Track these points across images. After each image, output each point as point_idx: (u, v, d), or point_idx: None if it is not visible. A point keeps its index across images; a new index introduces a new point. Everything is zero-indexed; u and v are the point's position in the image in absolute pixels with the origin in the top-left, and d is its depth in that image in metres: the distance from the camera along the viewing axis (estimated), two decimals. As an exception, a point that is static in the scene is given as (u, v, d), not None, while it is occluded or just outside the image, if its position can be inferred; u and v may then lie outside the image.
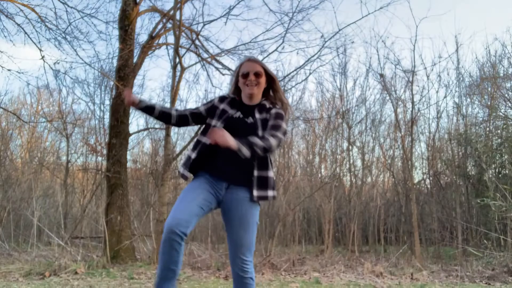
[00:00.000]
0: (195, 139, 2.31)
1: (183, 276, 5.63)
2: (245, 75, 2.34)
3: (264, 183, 2.24)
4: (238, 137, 2.11)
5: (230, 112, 2.34)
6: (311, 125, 10.65)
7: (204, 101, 2.73)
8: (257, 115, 2.32)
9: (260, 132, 2.24)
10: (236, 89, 2.45)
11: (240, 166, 2.22)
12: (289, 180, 9.44)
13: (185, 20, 7.88)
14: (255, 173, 2.22)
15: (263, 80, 2.36)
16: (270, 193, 2.26)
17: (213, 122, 2.30)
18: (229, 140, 1.92)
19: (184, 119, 2.42)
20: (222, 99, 2.42)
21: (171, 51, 7.82)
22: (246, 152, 2.00)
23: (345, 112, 9.90)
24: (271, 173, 2.27)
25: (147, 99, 2.18)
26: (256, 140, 2.06)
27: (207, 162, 2.29)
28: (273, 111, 2.33)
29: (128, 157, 8.36)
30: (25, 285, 4.94)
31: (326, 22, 27.32)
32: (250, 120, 2.32)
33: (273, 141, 2.13)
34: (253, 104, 2.38)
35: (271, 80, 2.42)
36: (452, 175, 9.31)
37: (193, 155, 2.28)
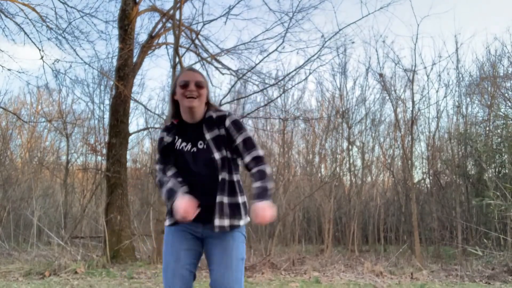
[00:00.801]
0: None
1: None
2: (184, 85, 1.99)
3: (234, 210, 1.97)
4: (197, 171, 1.94)
5: (184, 146, 2.03)
6: (311, 125, 10.65)
7: (158, 150, 2.17)
8: (207, 135, 2.00)
9: (216, 155, 1.94)
10: (175, 108, 2.08)
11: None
12: (289, 179, 9.43)
13: (185, 20, 7.89)
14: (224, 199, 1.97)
15: (204, 92, 2.02)
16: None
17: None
18: (269, 213, 1.77)
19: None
20: (167, 131, 2.09)
21: (170, 51, 7.83)
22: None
23: (345, 112, 9.90)
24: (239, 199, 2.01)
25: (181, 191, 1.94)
26: (267, 184, 1.87)
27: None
28: (227, 122, 2.00)
29: (128, 156, 8.37)
30: (25, 285, 4.94)
31: (326, 22, 27.28)
32: (201, 145, 2.00)
33: (267, 168, 1.92)
34: (196, 121, 2.04)
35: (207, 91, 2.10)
36: (452, 175, 9.31)
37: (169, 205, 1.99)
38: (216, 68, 8.06)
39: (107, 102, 10.49)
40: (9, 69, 7.12)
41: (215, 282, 1.88)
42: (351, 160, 10.16)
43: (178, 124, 2.07)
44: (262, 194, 1.82)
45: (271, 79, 8.48)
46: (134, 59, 7.72)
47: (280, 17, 7.66)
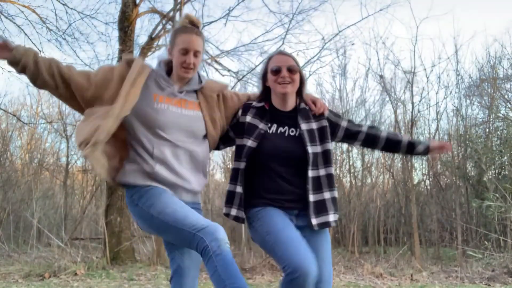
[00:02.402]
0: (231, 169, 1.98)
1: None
2: (276, 71, 1.90)
3: (322, 206, 1.90)
4: (280, 158, 1.86)
5: (262, 126, 1.93)
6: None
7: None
8: (303, 125, 1.92)
9: (309, 149, 1.86)
10: (265, 92, 2.01)
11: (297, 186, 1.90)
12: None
13: (185, 22, 7.87)
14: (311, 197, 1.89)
15: (297, 77, 1.93)
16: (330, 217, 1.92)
17: (245, 141, 1.91)
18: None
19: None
20: (246, 108, 1.99)
21: (171, 53, 7.80)
22: None
23: (344, 113, 9.90)
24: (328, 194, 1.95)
25: None
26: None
27: (259, 190, 1.92)
28: (326, 114, 1.97)
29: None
30: (24, 287, 4.94)
31: (326, 23, 27.33)
32: (293, 132, 1.92)
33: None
34: (288, 109, 1.96)
35: (301, 78, 1.99)
36: (452, 176, 9.31)
37: (238, 188, 1.92)
38: (216, 69, 8.06)
39: (107, 103, 10.46)
40: (9, 71, 7.14)
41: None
42: (351, 162, 10.17)
43: (268, 109, 1.98)
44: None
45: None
46: (134, 61, 7.71)
47: (280, 19, 7.65)
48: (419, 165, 10.41)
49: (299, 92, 1.99)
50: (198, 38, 1.91)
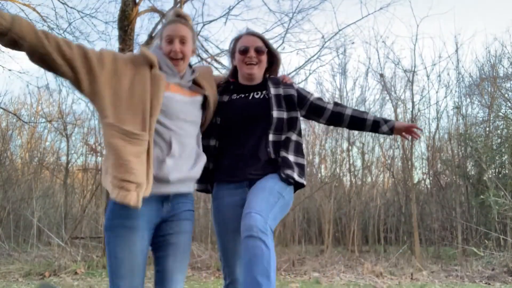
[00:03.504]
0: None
1: (183, 276, 5.62)
2: (244, 51, 1.92)
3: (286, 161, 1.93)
4: (244, 118, 1.87)
5: (225, 99, 1.95)
6: (310, 125, 10.65)
7: None
8: (272, 90, 1.92)
9: (274, 113, 1.86)
10: (234, 71, 2.04)
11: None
12: (289, 180, 9.42)
13: (185, 20, 7.87)
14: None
15: (265, 58, 1.95)
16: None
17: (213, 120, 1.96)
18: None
19: None
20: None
21: (171, 51, 7.80)
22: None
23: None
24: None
25: None
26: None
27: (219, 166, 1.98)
28: (296, 86, 2.00)
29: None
30: (25, 285, 4.94)
31: (326, 22, 27.30)
32: (258, 94, 1.93)
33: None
34: (254, 83, 1.98)
35: (273, 58, 2.01)
36: (452, 175, 9.31)
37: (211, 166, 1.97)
38: (216, 68, 8.05)
39: (107, 102, 10.45)
40: (9, 70, 7.14)
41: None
42: (351, 161, 10.16)
43: (233, 82, 2.00)
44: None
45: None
46: (134, 60, 7.71)
47: (280, 18, 7.66)
48: (419, 164, 10.42)
49: (272, 72, 2.01)
50: (183, 26, 1.85)
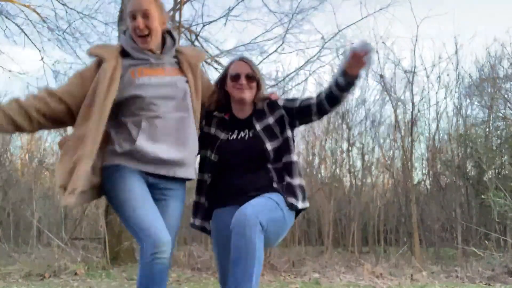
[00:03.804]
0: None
1: (183, 277, 5.63)
2: (235, 77, 1.96)
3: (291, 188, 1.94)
4: (242, 160, 1.90)
5: (223, 137, 1.97)
6: (310, 126, 10.65)
7: None
8: (258, 126, 1.96)
9: (268, 146, 1.90)
10: (224, 96, 2.06)
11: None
12: (289, 181, 9.42)
13: (185, 21, 7.89)
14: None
15: (255, 85, 1.98)
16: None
17: (208, 153, 1.98)
18: None
19: None
20: (208, 118, 2.05)
21: (170, 52, 7.81)
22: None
23: (344, 113, 9.89)
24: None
25: None
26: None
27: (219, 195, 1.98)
28: (281, 103, 1.99)
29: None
30: (24, 286, 4.94)
31: (326, 23, 27.29)
32: (252, 133, 1.96)
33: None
34: (246, 116, 2.01)
35: (258, 86, 2.04)
36: (452, 176, 9.31)
37: (202, 199, 2.02)
38: (216, 69, 8.06)
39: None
40: (9, 71, 7.14)
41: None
42: (351, 162, 10.16)
43: (228, 119, 2.01)
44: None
45: (271, 80, 8.49)
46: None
47: (280, 18, 7.66)
48: (419, 164, 10.42)
49: (256, 98, 2.03)
50: None
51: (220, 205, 1.97)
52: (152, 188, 1.81)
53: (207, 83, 2.06)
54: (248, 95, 1.96)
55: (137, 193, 1.73)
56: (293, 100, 2.01)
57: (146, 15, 1.75)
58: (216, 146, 1.95)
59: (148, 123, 1.76)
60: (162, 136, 1.78)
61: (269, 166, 1.91)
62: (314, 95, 1.96)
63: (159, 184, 1.84)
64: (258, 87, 2.01)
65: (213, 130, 2.00)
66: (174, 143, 1.81)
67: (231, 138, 1.97)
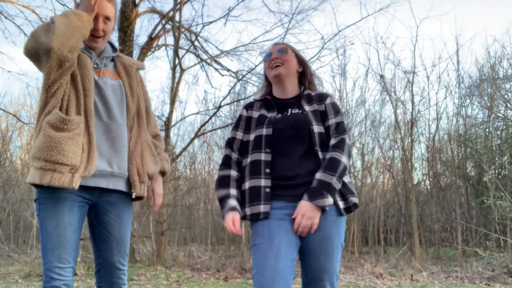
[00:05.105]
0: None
1: (183, 277, 5.63)
2: (268, 57, 1.92)
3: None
4: (293, 134, 1.80)
5: (270, 115, 1.88)
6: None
7: (234, 124, 1.99)
8: (306, 107, 1.87)
9: (315, 128, 1.80)
10: (268, 86, 1.99)
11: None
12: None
13: (185, 21, 7.90)
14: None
15: (290, 57, 1.90)
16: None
17: (259, 131, 1.84)
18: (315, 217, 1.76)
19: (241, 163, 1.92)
20: (250, 105, 1.97)
21: (170, 52, 7.84)
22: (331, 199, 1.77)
23: (344, 113, 9.90)
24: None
25: (234, 202, 1.80)
26: (329, 178, 1.72)
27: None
28: (328, 100, 1.90)
29: (128, 158, 8.33)
30: (24, 287, 4.94)
31: (326, 23, 27.35)
32: (296, 111, 1.87)
33: (345, 158, 1.76)
34: (290, 97, 1.93)
35: (302, 65, 1.96)
36: (452, 176, 9.31)
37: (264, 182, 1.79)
38: (216, 69, 8.07)
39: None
40: (9, 71, 7.15)
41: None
42: (351, 162, 10.15)
43: (271, 99, 1.92)
44: (316, 191, 1.73)
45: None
46: (134, 61, 7.71)
47: (279, 19, 7.68)
48: (419, 165, 10.42)
49: (303, 82, 1.97)
50: (108, 3, 1.81)
51: (275, 196, 1.80)
52: None
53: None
54: (282, 70, 1.88)
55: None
56: (328, 117, 1.89)
57: (105, 21, 1.82)
58: (267, 121, 1.85)
59: None
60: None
61: (317, 148, 1.80)
62: (332, 141, 1.81)
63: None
64: (304, 70, 1.96)
65: (256, 114, 1.91)
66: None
67: (280, 115, 1.87)
